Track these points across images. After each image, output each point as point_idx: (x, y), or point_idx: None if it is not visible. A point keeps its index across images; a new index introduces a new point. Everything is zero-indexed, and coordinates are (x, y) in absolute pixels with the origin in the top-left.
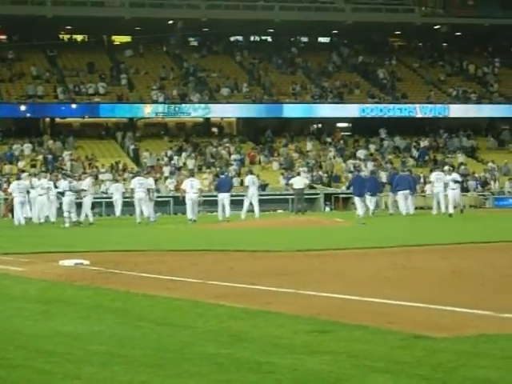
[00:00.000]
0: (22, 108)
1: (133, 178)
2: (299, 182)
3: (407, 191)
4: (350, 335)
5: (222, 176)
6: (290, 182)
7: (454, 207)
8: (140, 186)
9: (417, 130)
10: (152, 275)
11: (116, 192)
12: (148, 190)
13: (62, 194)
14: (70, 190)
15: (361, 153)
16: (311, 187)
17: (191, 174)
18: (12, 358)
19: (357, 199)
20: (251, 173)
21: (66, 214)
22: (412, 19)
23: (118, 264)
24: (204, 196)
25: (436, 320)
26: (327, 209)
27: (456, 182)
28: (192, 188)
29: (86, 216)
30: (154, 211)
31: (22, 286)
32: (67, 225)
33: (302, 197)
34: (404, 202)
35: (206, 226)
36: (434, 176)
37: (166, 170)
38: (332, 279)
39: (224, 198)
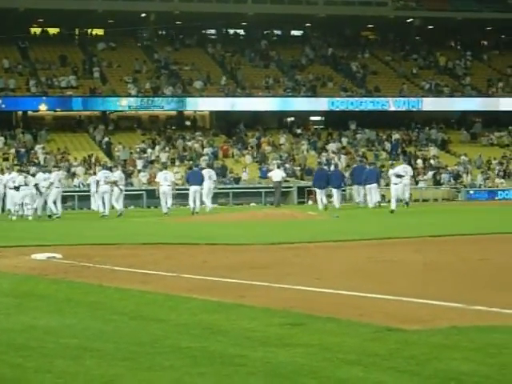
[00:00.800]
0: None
1: (99, 171)
2: (277, 175)
3: (375, 184)
4: (322, 328)
5: (195, 169)
6: (269, 174)
7: (400, 200)
8: (105, 178)
9: (389, 124)
10: (125, 269)
11: (93, 184)
12: (114, 182)
13: (17, 188)
14: (26, 185)
15: (332, 146)
16: (285, 181)
17: (164, 167)
18: None
19: (318, 191)
20: (209, 166)
21: (16, 208)
22: (385, 12)
23: (90, 257)
24: (177, 189)
25: (409, 312)
26: (309, 202)
27: (398, 176)
28: (166, 180)
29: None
30: (123, 204)
31: None
32: (14, 218)
33: (279, 190)
34: (372, 194)
35: (178, 220)
36: (400, 168)
37: (139, 164)
38: (305, 272)
39: (195, 190)
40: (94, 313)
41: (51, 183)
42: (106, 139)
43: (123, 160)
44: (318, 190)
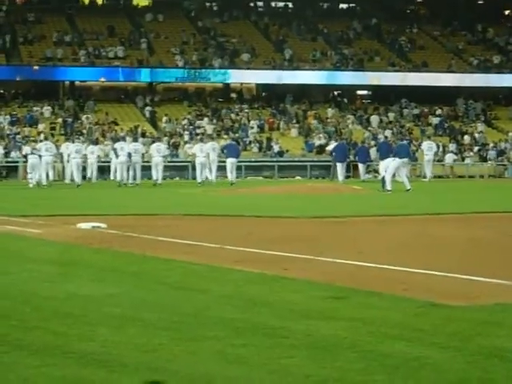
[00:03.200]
0: (43, 71)
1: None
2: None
3: (406, 159)
4: (365, 302)
5: (232, 142)
6: (329, 148)
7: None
8: (135, 151)
9: (437, 99)
10: (169, 239)
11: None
12: (142, 154)
13: (25, 156)
14: (33, 153)
15: (374, 118)
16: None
17: (205, 139)
18: (28, 320)
19: (339, 165)
20: (212, 139)
21: (29, 176)
22: None
23: (134, 228)
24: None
25: (453, 289)
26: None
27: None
28: (202, 152)
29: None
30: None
31: (38, 249)
32: (31, 186)
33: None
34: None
35: (223, 192)
36: (425, 145)
37: (186, 135)
38: (349, 246)
39: (232, 162)
40: (138, 282)
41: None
42: (152, 110)
43: (169, 132)
44: (337, 163)
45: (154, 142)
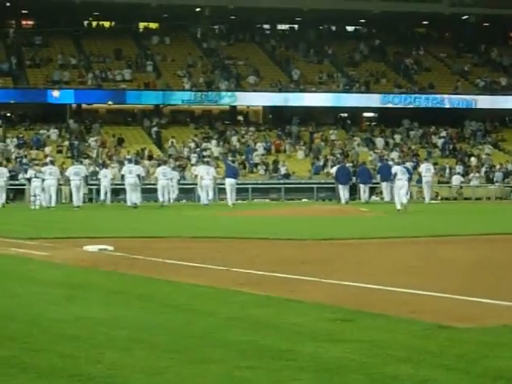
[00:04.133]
0: (49, 94)
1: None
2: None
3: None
4: (372, 324)
5: (230, 163)
6: (331, 170)
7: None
8: (130, 172)
9: (443, 121)
10: (176, 262)
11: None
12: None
13: (29, 180)
14: (36, 177)
15: (379, 141)
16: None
17: (211, 162)
18: (35, 342)
19: (340, 187)
20: (208, 163)
21: (32, 199)
22: (440, 9)
23: (141, 250)
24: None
25: (459, 310)
26: (373, 197)
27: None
28: (208, 174)
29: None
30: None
31: (46, 271)
32: (32, 207)
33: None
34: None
35: (229, 213)
36: (423, 167)
37: (193, 158)
38: (355, 268)
39: (231, 183)
40: (145, 305)
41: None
42: (159, 132)
43: (175, 154)
44: (340, 186)
45: (159, 164)
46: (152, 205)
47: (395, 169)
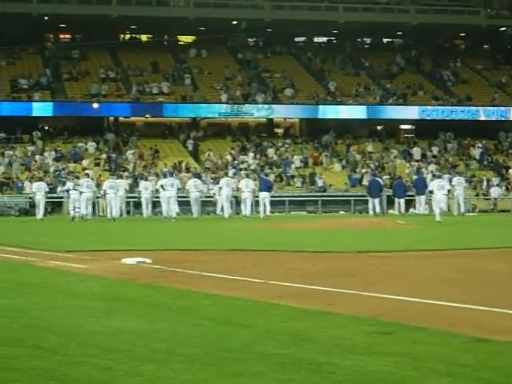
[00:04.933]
0: (87, 107)
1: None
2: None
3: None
4: (411, 337)
5: (264, 177)
6: (367, 184)
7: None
8: (172, 185)
9: (480, 133)
10: (213, 274)
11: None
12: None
13: (68, 191)
14: (75, 189)
15: (416, 151)
16: None
17: (247, 175)
18: (74, 355)
19: (370, 200)
20: (226, 175)
21: (71, 212)
22: (477, 21)
23: (179, 263)
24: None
25: (499, 323)
26: (411, 210)
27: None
28: (247, 187)
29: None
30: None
31: (84, 284)
32: (71, 219)
33: (381, 198)
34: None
35: (266, 226)
36: (455, 180)
37: (231, 171)
38: (393, 281)
39: (264, 197)
40: (183, 317)
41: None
42: (195, 145)
43: (212, 166)
44: (369, 199)
45: (192, 177)
46: (183, 217)
47: (432, 185)
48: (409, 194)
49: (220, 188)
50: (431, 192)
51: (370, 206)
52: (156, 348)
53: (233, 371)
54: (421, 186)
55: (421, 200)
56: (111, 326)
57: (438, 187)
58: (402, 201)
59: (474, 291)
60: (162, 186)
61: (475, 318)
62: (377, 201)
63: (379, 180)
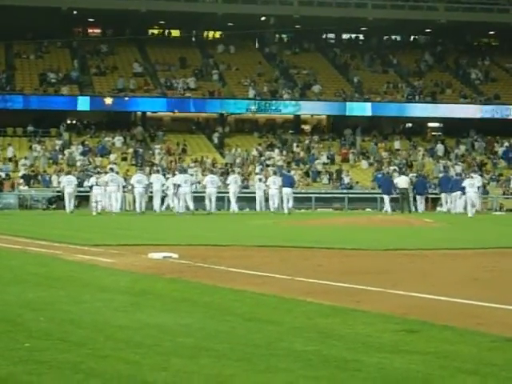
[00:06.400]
0: (110, 101)
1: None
2: (403, 181)
3: (460, 193)
4: (438, 335)
5: (286, 173)
6: (395, 181)
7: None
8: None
9: (509, 131)
10: (240, 270)
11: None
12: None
13: (91, 187)
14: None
15: (440, 148)
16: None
17: (274, 172)
18: (101, 349)
19: (385, 197)
20: (233, 172)
21: (93, 205)
22: (507, 19)
23: (205, 258)
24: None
25: None
26: (438, 208)
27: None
28: (274, 184)
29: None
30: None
31: (111, 278)
32: (94, 214)
33: (407, 196)
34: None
35: (292, 222)
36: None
37: (257, 166)
38: (421, 279)
39: (287, 192)
40: (209, 313)
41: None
42: (222, 140)
43: (239, 162)
44: (384, 196)
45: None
46: (200, 212)
47: (465, 183)
48: (432, 192)
49: (228, 184)
50: (464, 189)
51: (386, 202)
52: (182, 343)
53: (259, 367)
54: (446, 184)
55: (445, 198)
56: (138, 321)
57: (470, 185)
58: (423, 199)
59: (502, 290)
60: (174, 184)
61: (503, 318)
62: (388, 198)
63: (391, 177)
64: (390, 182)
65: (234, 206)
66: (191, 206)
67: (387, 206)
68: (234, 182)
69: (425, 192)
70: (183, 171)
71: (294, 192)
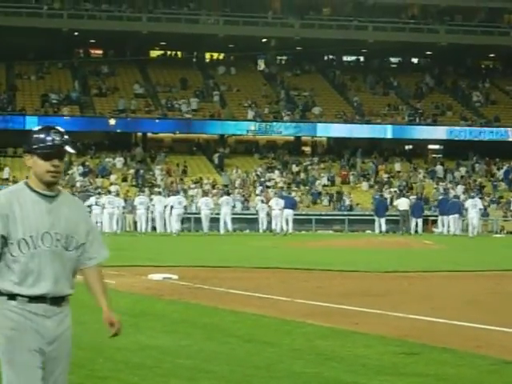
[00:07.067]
0: (113, 122)
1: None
2: (404, 203)
3: (457, 215)
4: (438, 358)
5: (287, 195)
6: (395, 203)
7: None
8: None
9: (508, 154)
10: (239, 291)
11: (204, 207)
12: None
13: (90, 207)
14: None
15: (439, 169)
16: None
17: (279, 193)
18: (100, 370)
19: (376, 219)
20: (227, 194)
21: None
22: (507, 42)
23: (205, 279)
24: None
25: None
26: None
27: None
28: (277, 205)
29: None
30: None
31: (111, 299)
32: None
33: (407, 218)
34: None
35: (293, 244)
36: (469, 202)
37: (258, 188)
38: (420, 301)
39: (288, 214)
40: (209, 334)
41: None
42: (222, 162)
43: (239, 183)
44: (377, 218)
45: (222, 194)
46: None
47: (467, 204)
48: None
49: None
50: (461, 210)
51: (376, 224)
52: (182, 364)
53: None
54: (444, 206)
55: (443, 220)
56: (138, 342)
57: (472, 206)
58: (420, 221)
59: (501, 313)
60: (166, 205)
61: (502, 340)
62: (383, 220)
63: (385, 199)
64: (384, 205)
65: (228, 226)
66: (177, 227)
67: (378, 228)
68: (225, 203)
69: (421, 215)
70: (176, 193)
71: (294, 214)
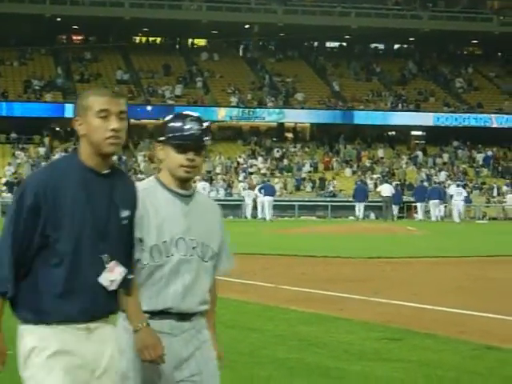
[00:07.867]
0: None
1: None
2: (387, 189)
3: (437, 201)
4: (421, 343)
5: (267, 183)
6: (378, 189)
7: None
8: None
9: (490, 140)
10: (222, 278)
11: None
12: None
13: None
14: None
15: (419, 154)
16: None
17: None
18: None
19: (357, 204)
20: (205, 180)
21: None
22: (490, 28)
23: None
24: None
25: (508, 331)
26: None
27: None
28: (261, 192)
29: None
30: None
31: None
32: None
33: (389, 204)
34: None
35: (276, 231)
36: (453, 189)
37: (241, 174)
38: (403, 287)
39: (269, 200)
40: None
41: None
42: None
43: (222, 170)
44: (357, 203)
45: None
46: None
47: (451, 190)
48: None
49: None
50: (451, 197)
51: (357, 209)
52: None
53: (243, 375)
54: (420, 194)
55: (421, 207)
56: None
57: (457, 194)
58: (396, 207)
59: (484, 299)
60: None
61: (485, 326)
62: (362, 205)
63: (364, 185)
64: (364, 191)
65: (260, 214)
66: None
67: (358, 213)
68: (201, 189)
69: (401, 202)
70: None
71: (276, 200)
